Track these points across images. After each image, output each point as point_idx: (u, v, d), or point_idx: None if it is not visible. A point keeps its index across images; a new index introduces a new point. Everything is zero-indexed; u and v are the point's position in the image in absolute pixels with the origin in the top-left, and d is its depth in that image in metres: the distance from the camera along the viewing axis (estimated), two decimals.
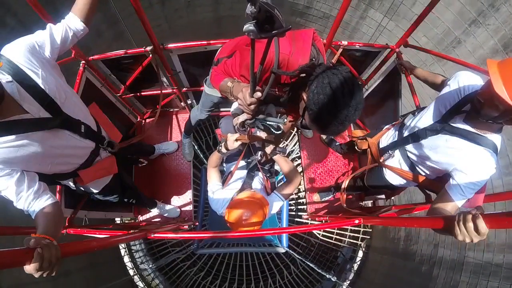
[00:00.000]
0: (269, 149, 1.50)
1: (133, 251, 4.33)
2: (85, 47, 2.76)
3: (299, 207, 4.42)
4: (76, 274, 2.93)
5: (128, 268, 4.15)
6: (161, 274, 4.46)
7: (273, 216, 3.53)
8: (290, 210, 4.34)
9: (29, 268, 0.73)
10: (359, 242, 4.20)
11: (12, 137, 0.99)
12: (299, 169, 3.54)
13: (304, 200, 4.34)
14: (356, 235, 4.22)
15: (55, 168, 1.28)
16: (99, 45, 2.87)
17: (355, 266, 4.17)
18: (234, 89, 1.05)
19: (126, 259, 4.21)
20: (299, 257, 4.11)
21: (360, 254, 4.21)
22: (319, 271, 4.04)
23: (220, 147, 1.48)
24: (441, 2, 2.27)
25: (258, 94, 0.87)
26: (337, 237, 4.35)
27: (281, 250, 3.78)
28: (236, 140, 1.38)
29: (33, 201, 1.11)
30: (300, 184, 2.04)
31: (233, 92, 1.05)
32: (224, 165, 1.86)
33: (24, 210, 1.12)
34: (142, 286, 4.19)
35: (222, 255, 4.68)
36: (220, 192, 1.58)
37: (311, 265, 4.11)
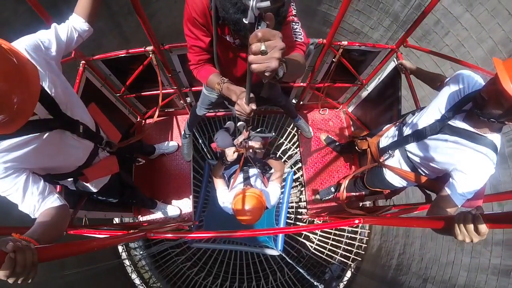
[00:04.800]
0: (260, 153, 1.86)
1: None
2: (116, 23, 2.83)
3: (298, 216, 4.43)
4: None
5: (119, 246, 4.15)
6: (149, 256, 4.46)
7: (271, 217, 3.60)
8: (289, 217, 4.34)
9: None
10: (350, 262, 4.19)
11: (19, 138, 0.99)
12: (299, 169, 3.54)
13: (303, 210, 4.35)
14: (348, 254, 4.22)
15: (54, 169, 1.27)
16: (130, 22, 2.90)
17: (341, 286, 4.16)
18: (224, 92, 1.16)
19: None
20: (291, 262, 4.13)
21: (349, 274, 4.19)
22: (309, 277, 4.06)
23: (224, 160, 1.78)
24: (474, 37, 2.31)
25: (254, 106, 1.00)
26: (329, 253, 4.33)
27: (275, 252, 3.79)
28: (234, 152, 1.70)
29: (38, 202, 1.08)
30: (284, 173, 2.52)
31: (224, 93, 1.16)
32: (224, 172, 2.16)
33: (31, 214, 1.09)
34: (128, 264, 4.20)
35: (211, 250, 4.68)
36: (227, 196, 1.90)
37: (301, 271, 4.12)
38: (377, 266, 3.68)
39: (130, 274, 4.18)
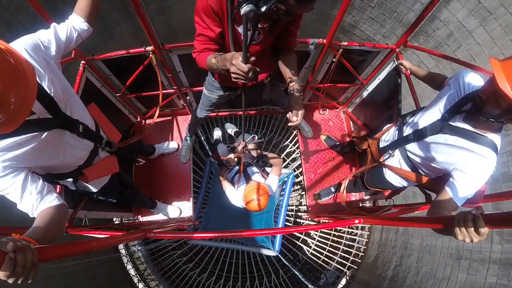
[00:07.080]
0: (256, 154, 2.20)
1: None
2: (130, 14, 2.87)
3: (298, 220, 4.43)
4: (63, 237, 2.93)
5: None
6: (145, 248, 4.46)
7: (269, 218, 3.64)
8: (288, 220, 4.34)
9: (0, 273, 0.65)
10: (345, 270, 4.17)
11: (18, 137, 0.99)
12: (300, 169, 3.54)
13: (303, 214, 4.33)
14: (344, 262, 4.20)
15: (54, 168, 1.27)
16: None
17: None
18: (219, 63, 1.10)
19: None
20: (287, 264, 4.13)
21: (343, 281, 4.17)
22: (303, 280, 4.06)
23: (228, 164, 2.11)
24: (486, 52, 2.33)
25: (253, 58, 0.89)
26: (325, 259, 4.32)
27: (272, 253, 3.79)
28: (234, 157, 2.03)
29: (37, 201, 1.08)
30: (282, 166, 2.75)
31: (219, 66, 1.10)
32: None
33: (29, 213, 1.09)
34: (125, 254, 4.20)
35: (208, 246, 4.69)
36: (235, 193, 2.24)
37: (296, 273, 4.11)
38: (373, 275, 3.66)
39: (125, 265, 4.18)
